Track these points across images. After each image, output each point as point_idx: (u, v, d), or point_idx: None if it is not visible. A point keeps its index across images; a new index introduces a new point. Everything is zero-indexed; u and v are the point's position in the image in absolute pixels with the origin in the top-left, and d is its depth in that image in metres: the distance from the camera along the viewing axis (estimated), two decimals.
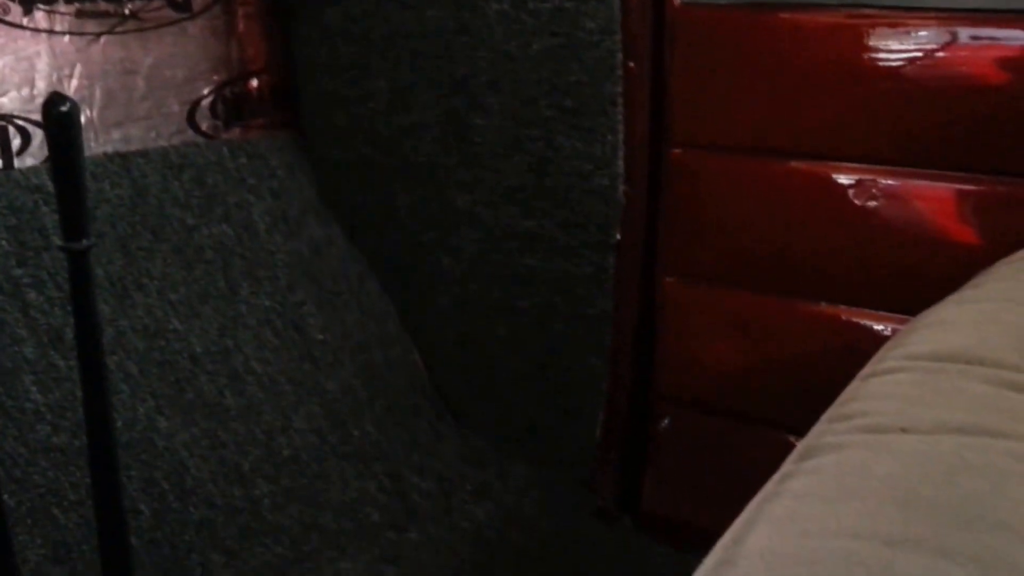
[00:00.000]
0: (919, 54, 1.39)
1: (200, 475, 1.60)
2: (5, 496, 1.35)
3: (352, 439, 1.82)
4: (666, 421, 1.74)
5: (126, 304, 1.64)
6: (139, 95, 1.83)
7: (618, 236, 1.69)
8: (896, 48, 1.40)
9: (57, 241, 1.42)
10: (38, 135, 1.66)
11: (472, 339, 1.93)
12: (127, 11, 1.78)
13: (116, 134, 1.80)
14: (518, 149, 1.75)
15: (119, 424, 1.52)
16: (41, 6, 1.68)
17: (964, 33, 1.36)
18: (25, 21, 1.66)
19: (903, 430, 0.66)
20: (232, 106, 1.99)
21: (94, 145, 1.76)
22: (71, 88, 1.73)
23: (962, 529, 0.53)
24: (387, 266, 2.01)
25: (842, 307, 1.51)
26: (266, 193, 1.92)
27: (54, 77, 1.71)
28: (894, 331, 1.27)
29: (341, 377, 1.87)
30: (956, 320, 0.87)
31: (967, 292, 0.98)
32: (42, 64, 1.69)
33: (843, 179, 1.48)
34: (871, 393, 0.75)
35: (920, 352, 0.80)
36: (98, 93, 1.77)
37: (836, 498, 0.60)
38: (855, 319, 1.50)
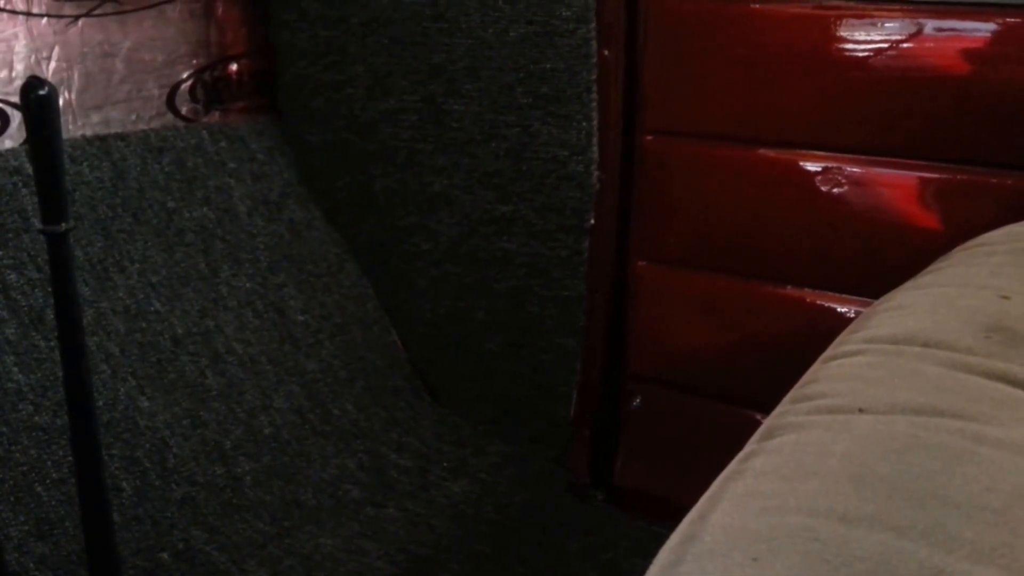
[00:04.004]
0: (885, 45, 1.41)
1: (182, 453, 1.62)
2: None
3: (332, 418, 1.84)
4: (637, 400, 1.77)
5: (107, 286, 1.65)
6: (118, 78, 1.82)
7: (592, 221, 1.72)
8: (863, 39, 1.43)
9: (37, 224, 1.43)
10: (16, 117, 1.65)
11: (449, 320, 1.95)
12: None
13: (95, 117, 1.79)
14: (495, 135, 1.77)
15: (100, 403, 1.53)
16: None
17: (929, 25, 1.39)
18: (2, 3, 1.65)
19: (860, 410, 0.67)
20: (212, 90, 1.98)
21: (73, 128, 1.75)
22: (49, 70, 1.72)
23: (914, 506, 0.54)
24: (366, 248, 2.03)
25: (807, 290, 1.54)
26: (246, 176, 1.93)
27: (32, 59, 1.69)
28: (857, 313, 1.29)
29: (321, 357, 1.89)
30: (914, 304, 0.88)
31: (925, 277, 0.99)
32: (20, 46, 1.68)
33: (810, 166, 1.50)
34: (831, 375, 0.77)
35: (879, 335, 0.81)
36: (76, 76, 1.76)
37: (795, 476, 0.61)
38: (819, 302, 1.53)
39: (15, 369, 1.49)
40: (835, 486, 0.58)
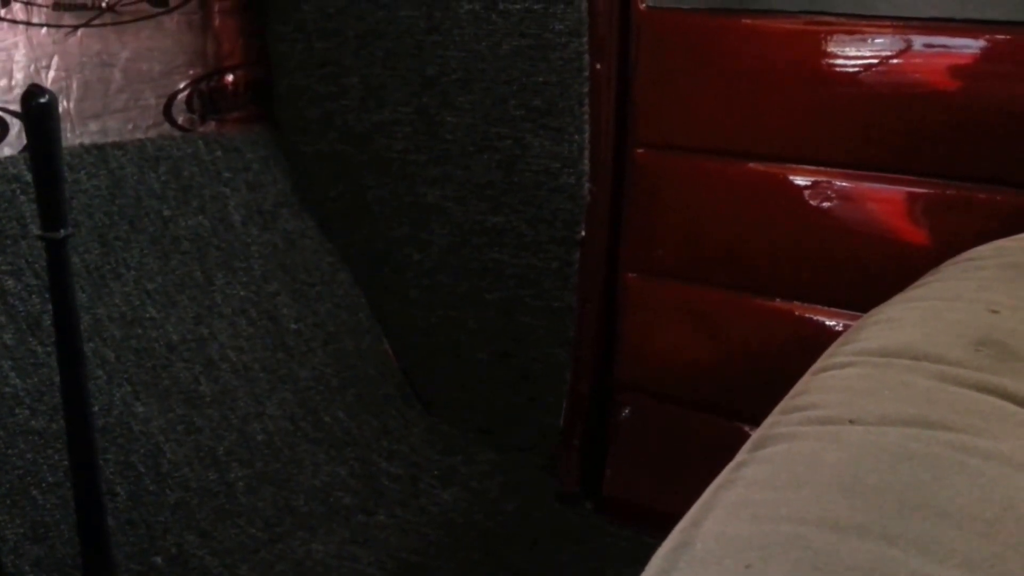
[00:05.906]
0: (874, 61, 1.42)
1: (176, 459, 1.62)
2: None
3: (324, 425, 1.85)
4: (626, 410, 1.78)
5: (103, 292, 1.66)
6: (116, 88, 1.84)
7: (583, 232, 1.73)
8: (852, 55, 1.44)
9: (35, 230, 1.44)
10: (15, 125, 1.67)
11: (441, 329, 1.96)
12: (104, 4, 1.79)
13: (93, 126, 1.81)
14: (487, 147, 1.78)
15: (96, 409, 1.54)
16: None
17: (918, 41, 1.39)
18: (3, 13, 1.66)
19: (851, 422, 0.67)
20: (208, 100, 2.00)
21: (71, 136, 1.77)
22: (48, 80, 1.73)
23: (905, 516, 0.54)
24: (359, 258, 2.04)
25: (796, 303, 1.55)
26: (241, 186, 1.94)
27: (31, 68, 1.71)
28: (845, 326, 1.30)
29: (313, 365, 1.90)
30: (903, 318, 0.87)
31: (914, 291, 0.99)
32: (20, 55, 1.69)
33: (799, 180, 1.51)
34: (821, 386, 0.76)
35: (869, 348, 0.80)
36: (75, 85, 1.77)
37: (787, 485, 0.61)
38: (808, 315, 1.54)
39: (12, 374, 1.50)
40: (826, 495, 0.58)
